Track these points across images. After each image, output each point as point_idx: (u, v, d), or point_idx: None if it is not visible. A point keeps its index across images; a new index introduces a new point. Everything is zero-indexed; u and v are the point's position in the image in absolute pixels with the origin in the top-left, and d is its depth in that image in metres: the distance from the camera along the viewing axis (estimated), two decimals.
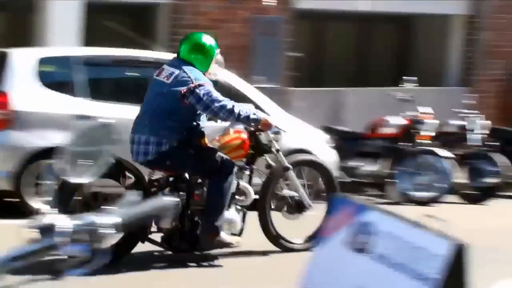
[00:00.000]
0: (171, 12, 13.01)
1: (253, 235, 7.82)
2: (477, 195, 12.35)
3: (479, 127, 12.59)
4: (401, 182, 11.86)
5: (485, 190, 12.31)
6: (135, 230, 6.80)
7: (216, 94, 7.20)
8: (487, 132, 12.62)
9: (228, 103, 7.24)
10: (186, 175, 7.41)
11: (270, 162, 7.90)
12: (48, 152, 9.00)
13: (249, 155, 7.71)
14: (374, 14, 14.88)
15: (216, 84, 7.73)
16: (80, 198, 7.05)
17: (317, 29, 15.17)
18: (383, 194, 12.04)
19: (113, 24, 12.58)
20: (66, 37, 11.89)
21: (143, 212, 2.93)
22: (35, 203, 9.02)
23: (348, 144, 12.14)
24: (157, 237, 7.45)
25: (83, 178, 3.03)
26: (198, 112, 7.25)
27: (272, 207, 8.03)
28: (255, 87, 11.47)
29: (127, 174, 7.31)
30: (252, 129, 7.62)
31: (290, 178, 8.01)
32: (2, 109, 9.50)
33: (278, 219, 8.05)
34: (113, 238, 2.93)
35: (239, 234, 7.62)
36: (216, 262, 7.59)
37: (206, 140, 7.43)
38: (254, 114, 7.43)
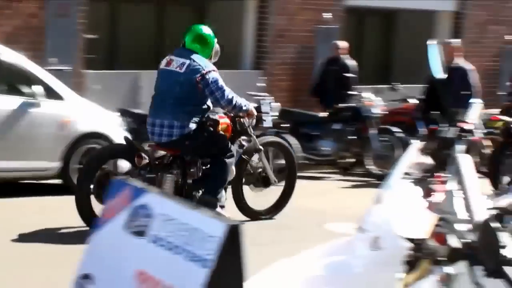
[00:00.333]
0: None
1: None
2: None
3: (272, 110, 12.88)
4: None
5: (280, 171, 12.60)
6: None
7: (221, 83, 8.21)
8: (277, 114, 12.96)
9: (229, 93, 8.29)
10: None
11: (243, 143, 9.02)
12: None
13: (230, 136, 8.76)
14: None
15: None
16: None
17: (112, 10, 14.99)
18: None
19: None
20: None
21: None
22: None
23: (143, 127, 12.09)
24: None
25: None
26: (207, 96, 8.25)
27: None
28: (48, 69, 11.22)
29: (143, 154, 8.28)
30: (232, 115, 8.72)
31: (260, 158, 9.26)
32: None
33: (247, 192, 9.38)
34: None
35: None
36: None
37: (219, 128, 8.52)
38: (245, 105, 8.57)
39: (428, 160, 3.49)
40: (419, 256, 3.24)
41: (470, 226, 3.06)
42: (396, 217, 3.23)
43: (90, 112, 10.74)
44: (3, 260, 7.33)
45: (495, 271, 2.95)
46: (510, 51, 18.79)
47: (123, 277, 3.46)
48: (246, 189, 9.42)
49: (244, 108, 8.53)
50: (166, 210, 3.37)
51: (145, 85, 13.81)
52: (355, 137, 13.41)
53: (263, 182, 9.35)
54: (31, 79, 10.34)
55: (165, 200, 3.45)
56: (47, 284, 6.66)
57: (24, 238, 8.17)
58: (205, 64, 8.20)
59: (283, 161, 9.93)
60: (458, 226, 3.17)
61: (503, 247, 3.06)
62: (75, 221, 8.41)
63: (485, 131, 14.00)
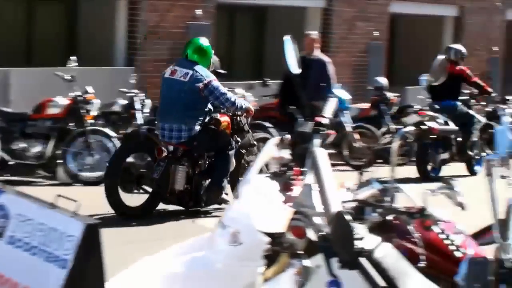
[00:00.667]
0: None
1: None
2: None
3: (144, 107, 12.82)
4: (69, 162, 11.77)
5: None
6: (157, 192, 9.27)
7: (222, 89, 9.32)
8: (149, 111, 12.91)
9: (231, 96, 9.39)
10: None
11: (238, 138, 9.81)
12: None
13: (230, 133, 9.67)
14: None
15: None
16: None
17: None
18: (53, 176, 11.88)
19: None
20: None
21: None
22: None
23: (12, 125, 11.85)
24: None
25: None
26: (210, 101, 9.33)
27: None
28: None
29: (163, 148, 9.30)
30: (230, 114, 9.69)
31: (255, 152, 9.98)
32: None
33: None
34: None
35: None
36: (216, 213, 9.52)
37: (221, 126, 9.52)
38: (244, 104, 9.63)
39: (286, 155, 3.53)
40: (278, 250, 3.28)
41: (326, 218, 3.11)
42: (254, 212, 3.26)
43: None
44: None
45: (350, 263, 3.01)
46: (377, 46, 19.26)
47: None
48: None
49: (244, 106, 9.61)
50: (23, 211, 3.30)
51: (14, 83, 13.51)
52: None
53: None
54: None
55: (21, 200, 3.38)
56: None
57: None
58: (206, 74, 9.30)
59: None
60: (315, 219, 3.22)
61: (359, 238, 3.13)
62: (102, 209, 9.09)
63: (354, 125, 14.36)
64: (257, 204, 3.26)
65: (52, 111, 12.04)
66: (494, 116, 15.80)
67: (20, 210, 3.33)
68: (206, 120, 9.45)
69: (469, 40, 21.72)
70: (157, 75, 15.20)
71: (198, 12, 15.93)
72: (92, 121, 12.02)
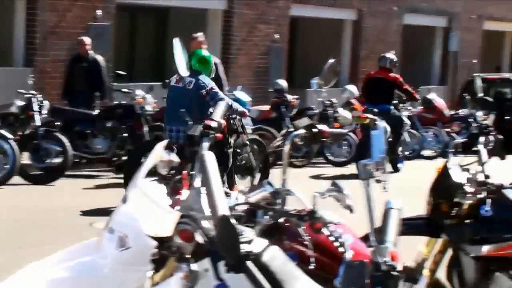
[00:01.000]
0: None
1: None
2: (42, 175, 12.41)
3: (42, 108, 12.65)
4: None
5: (50, 170, 12.39)
6: None
7: (221, 94, 10.52)
8: (47, 112, 12.74)
9: (228, 100, 10.55)
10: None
11: (231, 140, 10.80)
12: None
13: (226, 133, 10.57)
14: None
15: None
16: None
17: None
18: None
19: None
20: None
21: None
22: None
23: None
24: None
25: None
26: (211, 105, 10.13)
27: None
28: None
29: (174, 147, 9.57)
30: (226, 117, 10.51)
31: (247, 151, 11.45)
32: None
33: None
34: None
35: None
36: None
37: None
38: (239, 108, 10.97)
39: (175, 158, 3.52)
40: (166, 254, 3.27)
41: (213, 222, 3.12)
42: (142, 216, 3.24)
43: None
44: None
45: (236, 266, 3.02)
46: (277, 49, 19.41)
47: None
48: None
49: (239, 110, 11.00)
50: None
51: None
52: (129, 135, 13.39)
53: (248, 171, 11.67)
54: None
55: None
56: None
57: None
58: (208, 82, 10.54)
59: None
60: (203, 223, 3.22)
61: (247, 242, 3.14)
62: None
63: (254, 127, 14.45)
64: (144, 207, 3.24)
65: None
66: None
67: None
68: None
69: (367, 44, 22.13)
70: (56, 76, 15.07)
71: (99, 12, 15.78)
72: None
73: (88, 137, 13.44)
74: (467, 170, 5.44)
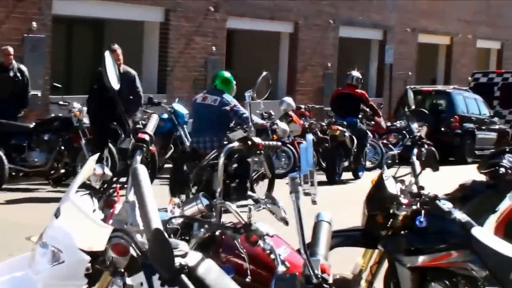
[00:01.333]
0: None
1: None
2: None
3: None
4: None
5: None
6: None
7: (242, 110, 11.82)
8: None
9: (248, 115, 11.32)
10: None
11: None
12: None
13: None
14: None
15: None
16: None
17: None
18: None
19: None
20: None
21: None
22: None
23: None
24: None
25: None
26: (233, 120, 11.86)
27: None
28: None
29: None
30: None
31: (260, 158, 12.08)
32: None
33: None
34: None
35: None
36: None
37: None
38: (258, 121, 12.75)
39: (108, 171, 3.49)
40: (100, 268, 3.24)
41: (146, 236, 3.10)
42: (75, 230, 3.20)
43: None
44: None
45: (170, 280, 3.00)
46: (215, 61, 19.42)
47: None
48: None
49: (259, 123, 12.54)
50: None
51: None
52: (66, 148, 13.27)
53: (261, 177, 12.65)
54: None
55: None
56: None
57: None
58: (231, 100, 11.92)
59: None
60: (137, 237, 3.20)
61: (181, 255, 3.13)
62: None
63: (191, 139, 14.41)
64: (77, 222, 3.20)
65: None
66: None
67: None
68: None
69: (304, 56, 22.27)
70: None
71: (34, 24, 15.62)
72: None
73: (24, 150, 13.28)
74: (402, 181, 5.49)
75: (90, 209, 3.34)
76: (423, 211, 5.23)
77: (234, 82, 12.34)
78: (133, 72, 13.34)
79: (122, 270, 3.19)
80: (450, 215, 5.27)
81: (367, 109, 16.83)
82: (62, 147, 13.27)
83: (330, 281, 3.50)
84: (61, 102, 13.83)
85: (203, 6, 19.08)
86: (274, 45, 22.11)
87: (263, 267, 4.05)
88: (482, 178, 7.08)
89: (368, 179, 5.82)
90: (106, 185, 3.48)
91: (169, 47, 18.42)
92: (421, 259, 5.26)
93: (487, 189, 6.87)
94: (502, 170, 6.82)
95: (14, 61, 13.94)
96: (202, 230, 3.95)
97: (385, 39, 25.79)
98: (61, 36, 17.81)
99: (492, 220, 6.99)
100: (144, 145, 3.60)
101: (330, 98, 17.88)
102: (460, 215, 5.29)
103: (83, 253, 3.17)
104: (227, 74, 12.49)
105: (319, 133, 16.72)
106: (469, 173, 7.79)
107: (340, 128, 15.79)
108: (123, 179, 3.62)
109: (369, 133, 17.03)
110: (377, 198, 5.35)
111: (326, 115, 19.16)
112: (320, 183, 15.47)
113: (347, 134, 15.80)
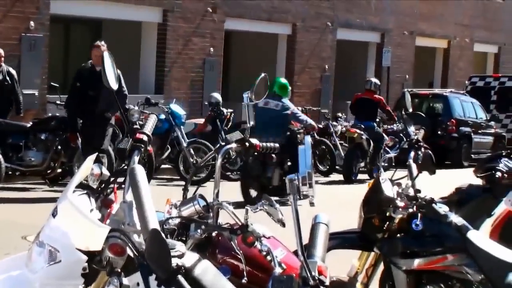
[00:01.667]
0: None
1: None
2: None
3: None
4: None
5: None
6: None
7: (299, 113, 14.39)
8: None
9: (304, 117, 14.22)
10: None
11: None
12: None
13: None
14: None
15: None
16: None
17: None
18: None
19: None
20: None
21: None
22: None
23: None
24: None
25: None
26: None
27: None
28: None
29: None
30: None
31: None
32: None
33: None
34: None
35: None
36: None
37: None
38: (312, 122, 14.46)
39: (105, 171, 3.50)
40: (97, 268, 3.24)
41: (143, 236, 3.11)
42: (72, 230, 3.21)
43: None
44: None
45: (167, 280, 3.01)
46: (212, 62, 19.42)
47: None
48: None
49: (312, 124, 14.35)
50: None
51: None
52: (62, 147, 13.26)
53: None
54: None
55: None
56: None
57: None
58: (289, 104, 13.96)
59: None
60: (134, 237, 3.20)
61: (178, 256, 3.13)
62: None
63: (189, 140, 14.44)
64: (74, 221, 3.20)
65: None
66: (326, 133, 16.63)
67: None
68: (288, 133, 13.50)
69: (301, 58, 22.28)
70: None
71: (32, 24, 15.61)
72: None
73: (21, 149, 13.27)
74: (399, 184, 5.50)
75: (88, 209, 3.35)
76: (419, 214, 5.24)
77: (290, 88, 14.26)
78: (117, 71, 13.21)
79: (119, 270, 3.19)
80: (446, 219, 5.28)
81: (384, 114, 17.88)
82: (59, 147, 13.26)
83: (327, 283, 3.51)
84: (58, 102, 13.81)
85: (201, 7, 19.08)
86: (271, 47, 22.12)
87: (260, 269, 4.05)
88: (479, 182, 7.09)
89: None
90: (103, 185, 3.48)
91: (167, 47, 18.41)
92: (416, 262, 5.27)
93: (483, 193, 6.89)
94: (498, 174, 6.84)
95: (3, 64, 13.78)
96: (199, 231, 3.95)
97: (382, 42, 25.81)
98: (59, 35, 17.81)
99: (488, 224, 7.00)
100: (142, 146, 3.60)
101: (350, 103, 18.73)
102: (456, 219, 5.30)
103: (80, 252, 3.17)
104: (283, 80, 14.43)
105: (316, 135, 16.75)
106: (465, 177, 7.81)
107: (358, 131, 16.82)
108: (120, 179, 3.61)
109: (385, 136, 17.79)
110: (374, 200, 5.36)
111: (324, 117, 19.16)
112: (337, 182, 15.66)
113: (364, 136, 16.77)
